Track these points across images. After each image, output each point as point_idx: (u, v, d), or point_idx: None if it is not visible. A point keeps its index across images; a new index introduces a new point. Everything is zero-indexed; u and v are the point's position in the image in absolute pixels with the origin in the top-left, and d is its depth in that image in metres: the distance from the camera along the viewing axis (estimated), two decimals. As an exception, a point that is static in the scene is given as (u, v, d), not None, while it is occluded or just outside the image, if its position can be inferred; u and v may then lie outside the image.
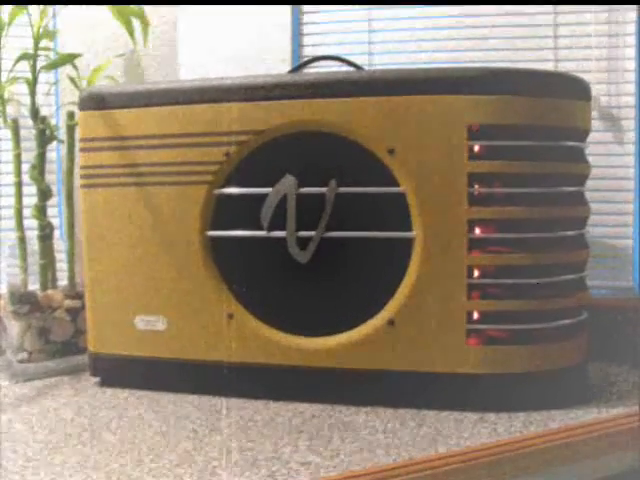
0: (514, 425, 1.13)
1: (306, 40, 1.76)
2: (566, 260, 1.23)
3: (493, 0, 1.63)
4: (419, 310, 1.20)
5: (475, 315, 1.19)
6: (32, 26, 1.50)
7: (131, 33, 1.58)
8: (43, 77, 1.64)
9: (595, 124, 1.51)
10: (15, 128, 1.51)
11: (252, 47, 1.74)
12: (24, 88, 1.54)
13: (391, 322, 1.21)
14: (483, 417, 1.17)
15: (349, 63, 1.44)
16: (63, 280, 1.57)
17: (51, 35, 1.57)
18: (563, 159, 1.23)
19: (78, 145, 1.38)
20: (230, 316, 1.28)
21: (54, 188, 1.59)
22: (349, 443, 1.07)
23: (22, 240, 1.51)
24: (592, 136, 1.32)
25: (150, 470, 0.98)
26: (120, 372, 1.37)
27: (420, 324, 1.20)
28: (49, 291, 1.52)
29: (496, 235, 1.19)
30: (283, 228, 1.25)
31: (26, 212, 1.53)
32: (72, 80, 1.61)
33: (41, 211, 1.53)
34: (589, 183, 1.29)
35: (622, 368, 1.43)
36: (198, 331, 1.30)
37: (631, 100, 1.60)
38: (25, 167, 1.53)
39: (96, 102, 1.34)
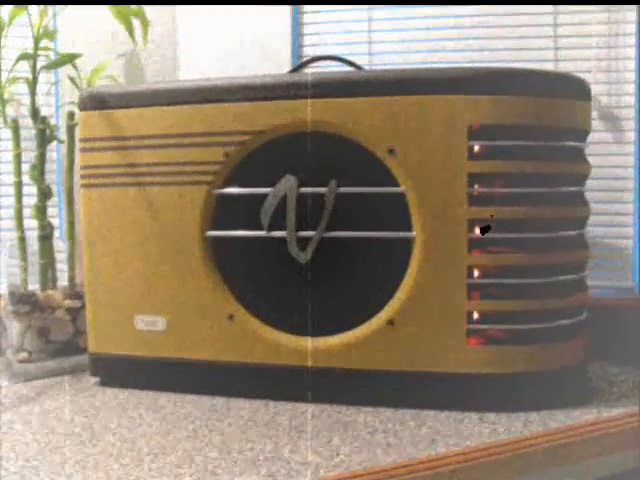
0: (514, 425, 1.13)
1: (306, 40, 1.76)
2: (566, 260, 1.23)
3: (493, 0, 1.63)
4: (419, 310, 1.20)
5: (475, 315, 1.19)
6: (32, 26, 1.50)
7: (131, 33, 1.58)
8: (43, 77, 1.64)
9: (595, 124, 1.51)
10: (15, 128, 1.51)
11: (252, 47, 1.74)
12: (24, 88, 1.53)
13: (391, 322, 1.21)
14: (483, 417, 1.17)
15: (349, 63, 1.44)
16: (63, 280, 1.57)
17: (51, 35, 1.57)
18: (563, 159, 1.23)
19: (78, 145, 1.38)
20: (230, 316, 1.28)
21: (54, 188, 1.59)
22: (349, 443, 1.07)
23: (22, 240, 1.51)
24: (592, 136, 1.32)
25: (150, 470, 0.98)
26: (120, 372, 1.37)
27: (420, 324, 1.20)
28: (49, 291, 1.52)
29: (496, 235, 1.19)
30: (283, 228, 1.25)
31: (26, 212, 1.53)
32: (72, 80, 1.61)
33: (41, 211, 1.52)
34: (589, 183, 1.29)
35: (622, 368, 1.43)
36: (198, 331, 1.30)
37: (631, 100, 1.60)
38: (25, 167, 1.53)
39: (96, 102, 1.34)
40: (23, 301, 1.46)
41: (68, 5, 1.62)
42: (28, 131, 1.57)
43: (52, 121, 1.61)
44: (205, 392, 1.31)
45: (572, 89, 1.25)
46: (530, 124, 1.19)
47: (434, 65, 1.65)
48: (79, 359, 1.49)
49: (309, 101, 1.22)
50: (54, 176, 1.73)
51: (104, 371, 1.39)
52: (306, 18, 1.76)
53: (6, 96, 1.53)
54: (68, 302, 1.50)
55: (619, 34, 1.60)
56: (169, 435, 1.12)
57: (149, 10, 1.62)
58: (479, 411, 1.19)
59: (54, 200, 1.63)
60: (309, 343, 1.25)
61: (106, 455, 1.04)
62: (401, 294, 1.21)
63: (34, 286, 1.52)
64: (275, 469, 0.98)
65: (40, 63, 1.53)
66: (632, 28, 1.59)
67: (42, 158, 1.53)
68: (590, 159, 1.29)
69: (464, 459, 1.00)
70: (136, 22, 1.58)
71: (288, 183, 1.25)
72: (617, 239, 1.61)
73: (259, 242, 1.27)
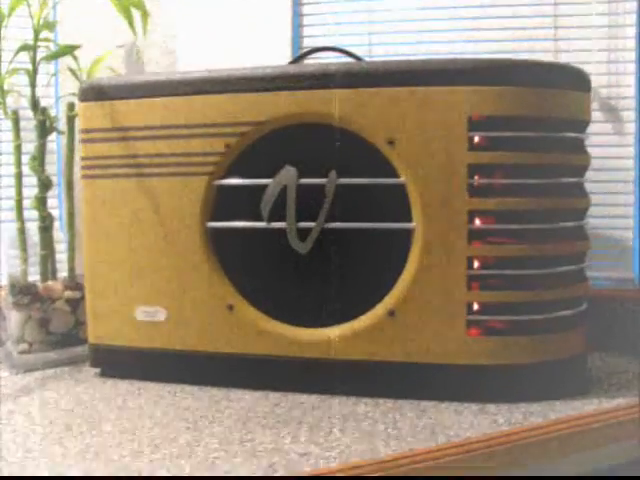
0: (514, 416, 1.13)
1: (306, 31, 1.76)
2: (566, 251, 1.23)
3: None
4: (419, 301, 1.20)
5: (475, 306, 1.19)
6: (32, 17, 1.50)
7: (131, 24, 1.58)
8: (43, 68, 1.63)
9: (595, 115, 1.50)
10: (15, 119, 1.51)
11: (252, 38, 1.74)
12: (24, 79, 1.53)
13: (391, 313, 1.21)
14: (483, 408, 1.17)
15: (349, 54, 1.44)
16: (63, 271, 1.57)
17: (51, 26, 1.57)
18: (563, 150, 1.23)
19: (78, 136, 1.38)
20: (230, 307, 1.28)
21: (54, 179, 1.59)
22: (349, 434, 1.07)
23: (22, 231, 1.51)
24: (592, 127, 1.32)
25: (150, 461, 0.98)
26: (120, 363, 1.37)
27: (420, 315, 1.20)
28: (49, 282, 1.52)
29: (496, 226, 1.19)
30: (283, 219, 1.25)
31: (26, 203, 1.53)
32: (72, 71, 1.60)
33: (41, 202, 1.52)
34: (589, 174, 1.29)
35: (622, 359, 1.43)
36: (198, 322, 1.30)
37: (631, 91, 1.60)
38: (25, 158, 1.53)
39: (96, 93, 1.34)
40: (23, 292, 1.46)
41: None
42: (28, 122, 1.57)
43: (52, 112, 1.61)
44: (205, 383, 1.31)
45: (572, 80, 1.24)
46: (530, 115, 1.19)
47: (434, 56, 1.64)
48: (79, 350, 1.49)
49: (309, 92, 1.22)
50: (54, 167, 1.72)
51: (104, 362, 1.39)
52: (306, 9, 1.75)
53: (6, 87, 1.53)
54: (68, 293, 1.50)
55: (619, 25, 1.60)
56: (169, 426, 1.12)
57: (148, 2, 1.62)
58: (479, 402, 1.19)
59: (54, 191, 1.63)
60: (309, 334, 1.25)
61: (106, 446, 1.04)
62: (401, 285, 1.21)
63: (34, 277, 1.52)
64: (275, 460, 0.98)
65: (40, 54, 1.53)
66: (632, 19, 1.59)
67: (42, 149, 1.53)
68: (590, 150, 1.29)
69: (464, 450, 1.00)
70: (136, 13, 1.58)
71: (288, 174, 1.24)
72: (617, 230, 1.60)
73: (259, 233, 1.27)
